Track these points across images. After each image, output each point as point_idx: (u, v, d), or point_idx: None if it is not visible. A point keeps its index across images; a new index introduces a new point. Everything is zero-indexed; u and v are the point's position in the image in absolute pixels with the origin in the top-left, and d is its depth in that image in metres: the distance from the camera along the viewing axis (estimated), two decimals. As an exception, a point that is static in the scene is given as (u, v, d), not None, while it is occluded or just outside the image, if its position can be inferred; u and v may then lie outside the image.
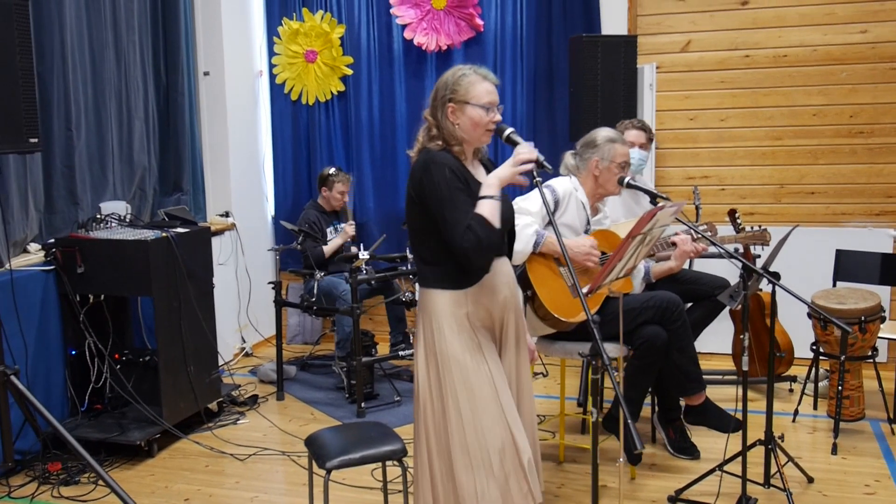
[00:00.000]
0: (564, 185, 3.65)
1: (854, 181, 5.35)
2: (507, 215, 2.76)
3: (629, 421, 2.25)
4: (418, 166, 2.62)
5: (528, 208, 3.53)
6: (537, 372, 5.49)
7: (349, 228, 5.59)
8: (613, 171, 3.65)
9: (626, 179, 3.59)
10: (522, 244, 3.45)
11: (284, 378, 5.35)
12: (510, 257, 2.84)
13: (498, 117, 2.67)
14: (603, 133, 3.71)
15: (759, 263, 4.28)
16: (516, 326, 2.76)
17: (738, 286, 3.26)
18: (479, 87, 2.64)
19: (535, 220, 3.50)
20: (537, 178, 2.63)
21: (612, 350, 3.70)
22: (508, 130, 2.69)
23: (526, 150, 2.57)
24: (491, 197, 2.55)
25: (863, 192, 5.35)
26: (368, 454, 2.95)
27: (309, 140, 6.32)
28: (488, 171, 2.79)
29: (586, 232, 3.69)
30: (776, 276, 3.85)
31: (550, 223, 3.60)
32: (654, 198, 3.50)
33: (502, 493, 2.57)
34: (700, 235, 3.46)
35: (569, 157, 3.78)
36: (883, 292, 5.20)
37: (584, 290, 2.73)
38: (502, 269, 2.72)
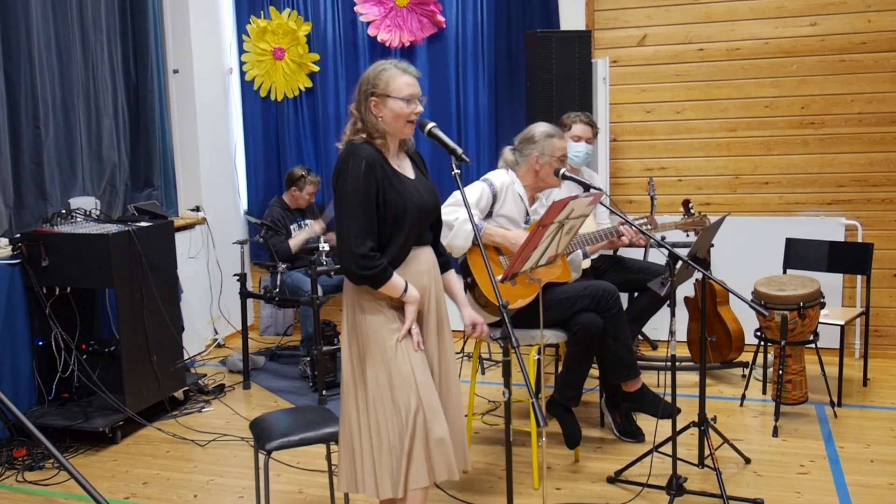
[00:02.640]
0: (501, 177, 3.77)
1: (806, 171, 5.46)
2: (431, 203, 2.85)
3: (534, 400, 2.39)
4: (341, 158, 2.76)
5: (468, 199, 3.61)
6: (497, 360, 5.61)
7: (316, 226, 5.72)
8: (553, 164, 3.78)
9: (563, 171, 3.71)
10: (462, 240, 3.56)
11: (253, 368, 5.49)
12: (435, 246, 2.94)
13: (419, 109, 2.78)
14: (540, 129, 3.82)
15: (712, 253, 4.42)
16: (437, 313, 2.86)
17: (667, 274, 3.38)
18: (399, 80, 2.75)
19: (475, 214, 3.59)
20: (456, 171, 2.75)
21: (553, 336, 3.84)
22: (430, 125, 2.81)
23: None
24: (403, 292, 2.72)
25: (815, 181, 5.46)
26: (307, 436, 3.10)
27: (279, 136, 6.44)
28: (415, 164, 2.91)
29: (526, 223, 3.81)
30: (705, 264, 3.97)
31: (489, 215, 3.74)
32: (587, 189, 3.62)
33: (408, 466, 2.67)
34: (629, 223, 3.59)
35: (507, 153, 3.89)
36: (836, 279, 5.34)
37: (499, 277, 2.86)
38: (422, 258, 2.82)
